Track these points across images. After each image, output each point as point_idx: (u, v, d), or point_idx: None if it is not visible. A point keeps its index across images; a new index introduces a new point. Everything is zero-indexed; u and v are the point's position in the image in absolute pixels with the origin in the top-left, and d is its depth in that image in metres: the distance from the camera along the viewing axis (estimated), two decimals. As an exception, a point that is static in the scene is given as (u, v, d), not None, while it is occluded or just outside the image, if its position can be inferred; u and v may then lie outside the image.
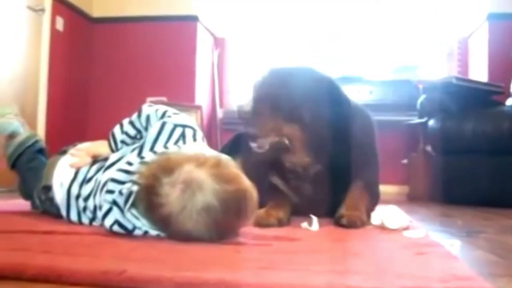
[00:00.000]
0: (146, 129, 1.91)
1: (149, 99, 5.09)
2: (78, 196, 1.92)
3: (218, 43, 6.42)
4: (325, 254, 1.43)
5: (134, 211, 1.64)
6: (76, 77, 5.50)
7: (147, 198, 1.55)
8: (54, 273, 1.08)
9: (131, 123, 1.95)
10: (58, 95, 5.08)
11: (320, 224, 2.00)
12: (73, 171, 1.98)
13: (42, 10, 4.69)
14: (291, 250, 1.49)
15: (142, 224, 1.64)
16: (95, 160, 1.98)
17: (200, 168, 1.54)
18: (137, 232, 1.65)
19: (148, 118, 1.90)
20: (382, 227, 2.04)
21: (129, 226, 1.64)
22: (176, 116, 1.88)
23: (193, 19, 5.70)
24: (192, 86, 5.70)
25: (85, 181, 1.93)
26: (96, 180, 1.88)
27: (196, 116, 5.47)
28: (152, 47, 5.72)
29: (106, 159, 1.93)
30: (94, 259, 1.21)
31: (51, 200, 2.03)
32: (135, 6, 5.75)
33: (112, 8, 5.78)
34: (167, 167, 1.56)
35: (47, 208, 2.11)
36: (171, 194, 1.50)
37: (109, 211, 1.64)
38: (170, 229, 1.54)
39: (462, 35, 5.97)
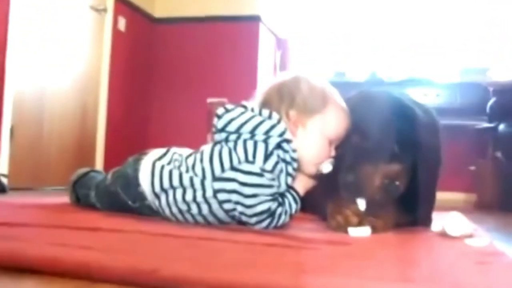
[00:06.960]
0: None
1: (209, 100, 5.08)
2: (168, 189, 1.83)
3: (281, 44, 6.35)
4: (376, 260, 1.33)
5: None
6: (137, 77, 5.56)
7: None
8: (84, 269, 1.05)
9: None
10: (119, 94, 5.15)
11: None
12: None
13: (105, 10, 4.76)
14: (339, 254, 1.39)
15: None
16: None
17: None
18: None
19: None
20: (443, 234, 1.91)
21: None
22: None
23: (256, 19, 5.66)
24: (254, 87, 5.63)
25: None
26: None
27: (256, 117, 5.41)
28: (213, 48, 5.71)
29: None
30: (129, 257, 1.15)
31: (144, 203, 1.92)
32: (197, 7, 5.76)
33: (174, 9, 5.81)
34: None
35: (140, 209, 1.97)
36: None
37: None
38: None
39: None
